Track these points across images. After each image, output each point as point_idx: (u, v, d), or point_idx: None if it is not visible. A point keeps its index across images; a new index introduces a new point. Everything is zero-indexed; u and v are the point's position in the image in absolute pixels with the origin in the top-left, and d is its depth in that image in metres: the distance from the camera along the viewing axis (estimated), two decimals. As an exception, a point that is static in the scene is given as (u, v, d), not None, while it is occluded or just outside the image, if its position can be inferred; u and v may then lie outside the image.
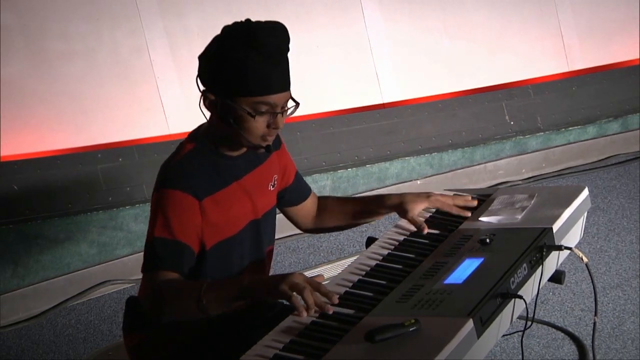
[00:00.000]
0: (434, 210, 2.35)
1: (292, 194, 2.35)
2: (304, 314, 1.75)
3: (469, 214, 2.28)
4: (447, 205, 2.29)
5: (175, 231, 1.97)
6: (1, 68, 3.80)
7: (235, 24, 2.01)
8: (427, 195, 2.28)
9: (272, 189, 2.23)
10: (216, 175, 2.07)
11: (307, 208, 2.41)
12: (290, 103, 2.05)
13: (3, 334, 3.72)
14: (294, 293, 1.76)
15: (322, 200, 2.46)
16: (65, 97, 3.98)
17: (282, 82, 2.01)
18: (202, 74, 2.05)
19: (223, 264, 2.09)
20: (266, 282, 1.83)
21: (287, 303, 1.80)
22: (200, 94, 2.05)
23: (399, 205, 2.28)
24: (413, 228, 2.24)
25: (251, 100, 1.98)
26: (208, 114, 2.10)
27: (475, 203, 2.32)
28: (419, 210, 2.26)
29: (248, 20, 2.00)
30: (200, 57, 2.05)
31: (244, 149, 2.12)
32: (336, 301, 1.81)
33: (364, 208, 2.37)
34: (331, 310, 1.78)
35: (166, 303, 1.91)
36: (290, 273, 1.79)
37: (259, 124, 2.00)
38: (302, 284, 1.76)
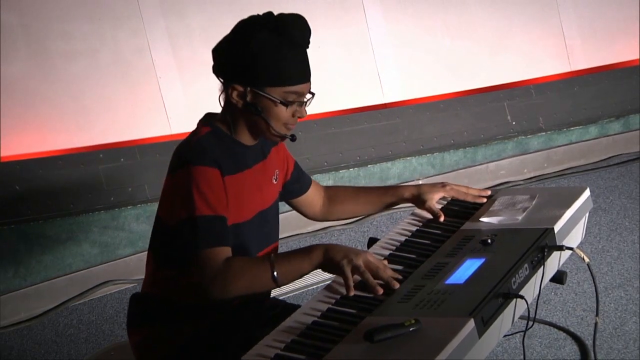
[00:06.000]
0: (449, 198, 2.40)
1: (295, 185, 2.38)
2: (380, 291, 1.89)
3: (485, 200, 2.34)
4: (463, 194, 2.36)
5: (215, 205, 1.98)
6: (3, 68, 3.80)
7: (258, 16, 2.03)
8: (443, 185, 2.36)
9: (275, 182, 2.25)
10: (232, 158, 2.08)
11: (311, 197, 2.43)
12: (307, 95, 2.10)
13: (5, 334, 3.72)
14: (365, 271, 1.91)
15: (334, 190, 2.49)
16: (67, 97, 3.98)
17: (308, 71, 2.06)
18: (224, 66, 2.05)
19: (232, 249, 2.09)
20: (336, 262, 1.92)
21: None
22: (221, 85, 2.06)
23: (416, 197, 2.35)
24: (416, 226, 2.28)
25: (282, 90, 2.02)
26: (220, 104, 2.11)
27: (489, 192, 2.39)
28: (436, 199, 2.34)
29: (271, 13, 2.03)
30: (221, 50, 2.05)
31: (256, 141, 2.14)
32: (397, 285, 1.93)
33: (379, 199, 2.43)
34: (397, 285, 1.92)
35: (236, 280, 1.93)
36: (356, 252, 1.93)
37: (287, 113, 2.05)
38: (374, 263, 1.92)
